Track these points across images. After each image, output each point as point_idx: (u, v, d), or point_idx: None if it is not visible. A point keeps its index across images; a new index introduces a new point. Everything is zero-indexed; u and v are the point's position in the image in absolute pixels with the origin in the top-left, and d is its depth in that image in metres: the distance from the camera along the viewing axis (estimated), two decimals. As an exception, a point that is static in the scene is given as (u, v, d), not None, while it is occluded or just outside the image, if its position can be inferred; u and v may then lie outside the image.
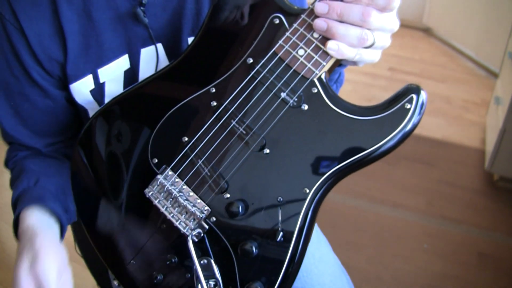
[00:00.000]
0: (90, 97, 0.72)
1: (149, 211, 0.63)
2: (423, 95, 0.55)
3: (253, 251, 0.57)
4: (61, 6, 0.65)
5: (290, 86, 0.57)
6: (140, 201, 0.63)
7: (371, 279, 1.65)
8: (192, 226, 0.60)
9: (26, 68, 0.68)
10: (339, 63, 0.59)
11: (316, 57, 0.56)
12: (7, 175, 0.78)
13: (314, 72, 0.57)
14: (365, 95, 2.76)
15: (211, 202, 0.60)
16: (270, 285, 0.57)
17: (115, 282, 0.68)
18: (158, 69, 0.68)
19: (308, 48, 0.56)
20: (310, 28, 0.56)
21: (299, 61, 0.57)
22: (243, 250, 0.57)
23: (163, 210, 0.61)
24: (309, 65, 0.57)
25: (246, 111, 0.59)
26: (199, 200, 0.60)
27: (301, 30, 0.57)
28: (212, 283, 0.58)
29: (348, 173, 0.56)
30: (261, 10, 0.60)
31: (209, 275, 0.59)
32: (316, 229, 0.88)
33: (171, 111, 0.63)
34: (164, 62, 0.72)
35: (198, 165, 0.60)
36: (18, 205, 0.70)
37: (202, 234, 0.60)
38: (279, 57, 0.58)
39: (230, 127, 0.59)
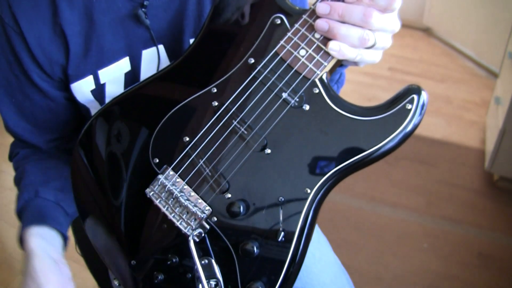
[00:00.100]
0: (91, 96, 0.72)
1: (149, 211, 0.63)
2: (424, 95, 0.55)
3: (254, 251, 0.57)
4: (62, 8, 0.64)
5: (292, 87, 0.57)
6: (140, 201, 0.63)
7: (371, 279, 1.65)
8: (193, 226, 0.60)
9: (26, 70, 0.68)
10: (340, 64, 0.59)
11: (317, 57, 0.56)
12: (7, 175, 0.79)
13: (315, 72, 0.57)
14: (365, 95, 2.76)
15: (212, 202, 0.60)
16: (271, 285, 0.57)
17: (116, 282, 0.68)
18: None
19: (310, 49, 0.57)
20: (312, 29, 0.56)
21: (301, 62, 0.57)
22: (244, 250, 0.57)
23: (164, 210, 0.61)
24: (310, 66, 0.57)
25: (248, 111, 0.59)
26: (200, 200, 0.60)
27: (303, 30, 0.57)
28: (213, 283, 0.58)
29: (349, 173, 0.56)
30: (262, 11, 0.60)
31: (210, 275, 0.59)
32: (317, 229, 0.88)
33: (172, 111, 0.63)
34: (165, 63, 0.71)
35: (199, 165, 0.60)
36: (21, 218, 0.72)
37: (203, 234, 0.60)
38: (281, 57, 0.58)
39: (231, 127, 0.59)
